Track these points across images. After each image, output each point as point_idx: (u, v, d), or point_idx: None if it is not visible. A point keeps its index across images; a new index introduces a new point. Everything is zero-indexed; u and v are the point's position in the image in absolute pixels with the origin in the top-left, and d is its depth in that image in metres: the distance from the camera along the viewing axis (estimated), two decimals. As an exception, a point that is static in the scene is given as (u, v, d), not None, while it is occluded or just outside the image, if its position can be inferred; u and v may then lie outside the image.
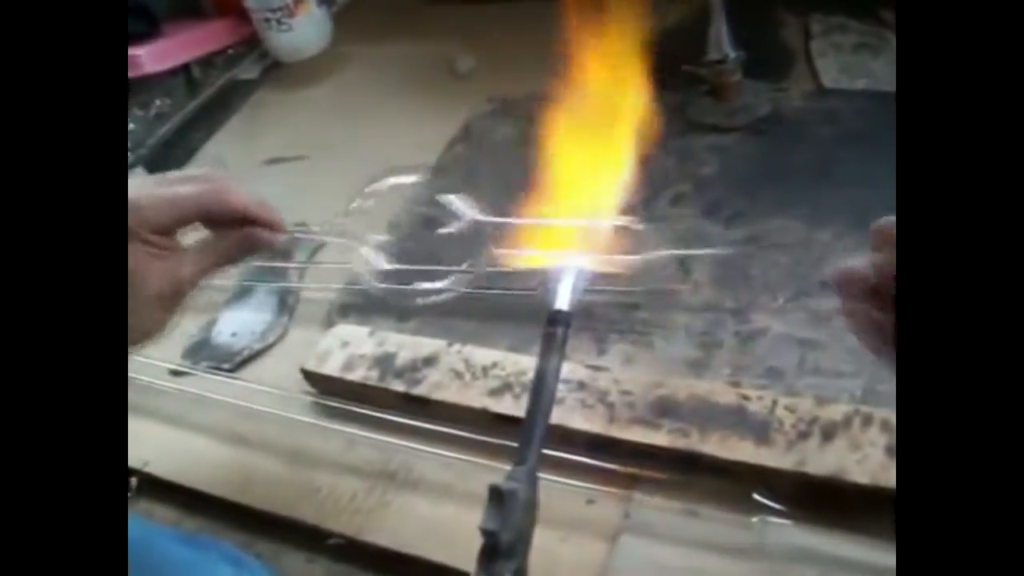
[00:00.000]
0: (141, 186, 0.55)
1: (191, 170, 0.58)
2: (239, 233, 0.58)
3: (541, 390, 0.50)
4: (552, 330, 0.51)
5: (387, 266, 0.63)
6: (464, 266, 0.61)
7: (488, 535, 0.45)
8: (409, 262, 0.65)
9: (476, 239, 0.62)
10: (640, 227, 0.57)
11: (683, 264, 0.71)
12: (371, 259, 0.63)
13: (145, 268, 0.54)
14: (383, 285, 0.64)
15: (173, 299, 0.56)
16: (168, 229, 0.55)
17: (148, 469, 0.71)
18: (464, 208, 0.60)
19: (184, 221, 0.56)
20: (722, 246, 0.72)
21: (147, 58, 1.17)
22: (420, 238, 0.68)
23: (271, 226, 0.59)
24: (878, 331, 0.42)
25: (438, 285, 0.62)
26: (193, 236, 0.58)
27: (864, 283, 0.42)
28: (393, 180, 0.64)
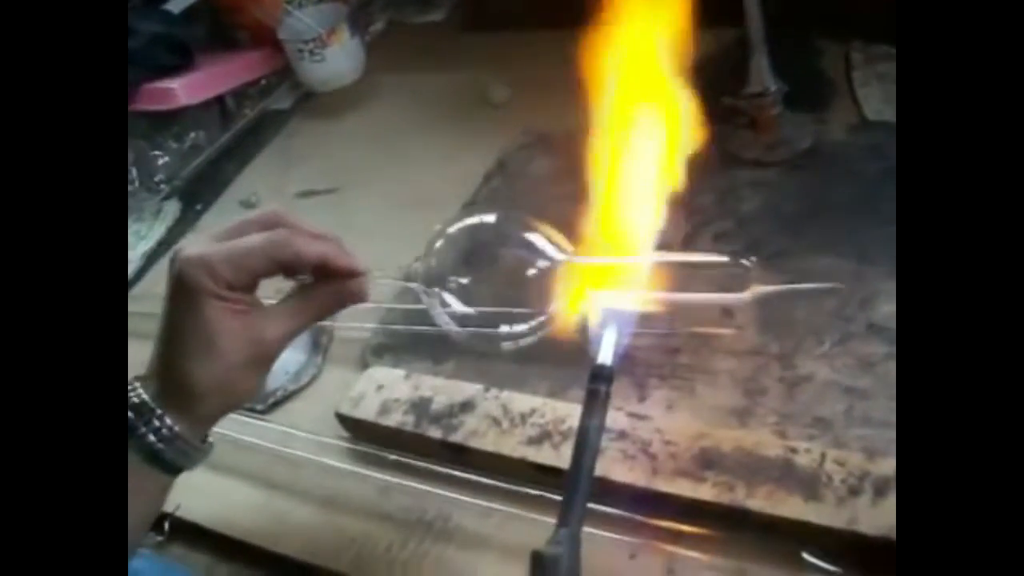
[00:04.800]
0: (205, 242, 0.51)
1: (253, 215, 0.54)
2: (327, 288, 0.55)
3: (584, 448, 0.49)
4: (595, 387, 0.50)
5: (470, 310, 0.60)
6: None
7: (530, 603, 0.44)
8: (483, 303, 0.62)
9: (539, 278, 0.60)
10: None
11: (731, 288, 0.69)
12: (453, 304, 0.60)
13: (226, 326, 0.50)
14: (466, 330, 0.61)
15: (260, 362, 0.53)
16: (242, 283, 0.51)
17: (179, 513, 0.70)
18: (553, 249, 0.57)
19: (257, 273, 0.51)
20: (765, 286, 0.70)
21: (182, 91, 1.18)
22: (493, 278, 0.65)
23: (350, 273, 0.54)
24: None
25: (521, 328, 0.59)
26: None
27: None
28: (472, 219, 0.62)
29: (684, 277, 0.60)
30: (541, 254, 0.58)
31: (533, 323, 0.58)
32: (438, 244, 0.59)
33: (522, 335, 0.59)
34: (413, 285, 0.59)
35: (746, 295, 0.57)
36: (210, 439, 0.55)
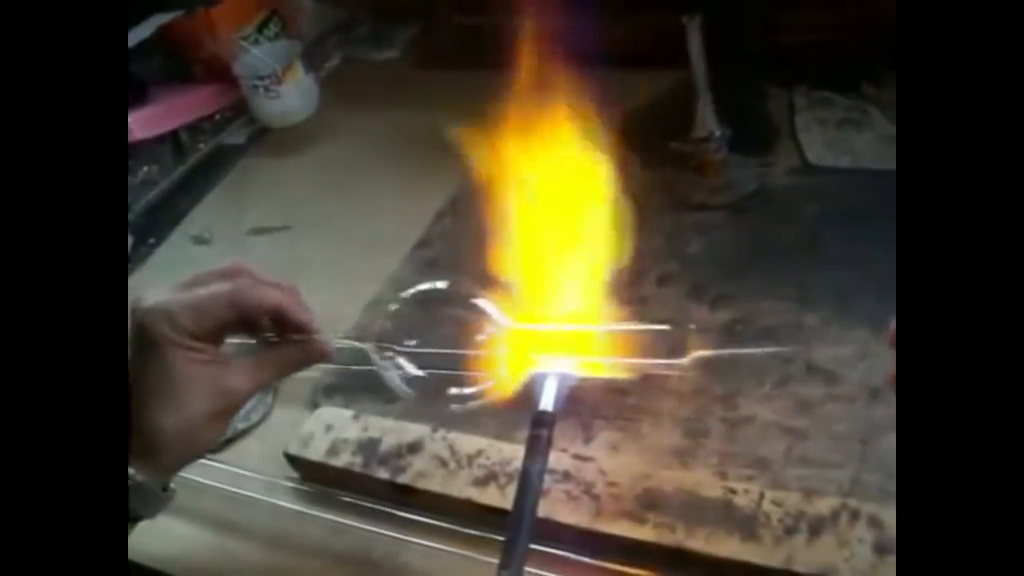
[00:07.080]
0: (165, 291, 0.53)
1: (217, 267, 0.55)
2: (294, 344, 0.57)
3: (526, 492, 0.50)
4: (537, 432, 0.51)
5: (421, 373, 0.62)
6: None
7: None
8: (435, 365, 0.64)
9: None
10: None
11: (671, 348, 0.70)
12: (405, 366, 0.62)
13: (189, 376, 0.51)
14: (415, 391, 0.63)
15: (225, 412, 0.54)
16: (205, 333, 0.52)
17: (127, 554, 0.70)
18: (500, 314, 0.60)
19: (219, 321, 0.53)
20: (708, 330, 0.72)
21: (135, 125, 1.18)
22: (444, 342, 0.68)
23: (302, 328, 0.56)
24: None
25: (469, 392, 0.61)
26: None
27: None
28: (425, 285, 0.64)
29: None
30: (489, 319, 0.61)
31: (480, 387, 0.61)
32: (392, 307, 0.61)
33: (470, 398, 0.61)
34: (365, 346, 0.61)
35: (685, 360, 0.60)
36: (172, 486, 0.55)
